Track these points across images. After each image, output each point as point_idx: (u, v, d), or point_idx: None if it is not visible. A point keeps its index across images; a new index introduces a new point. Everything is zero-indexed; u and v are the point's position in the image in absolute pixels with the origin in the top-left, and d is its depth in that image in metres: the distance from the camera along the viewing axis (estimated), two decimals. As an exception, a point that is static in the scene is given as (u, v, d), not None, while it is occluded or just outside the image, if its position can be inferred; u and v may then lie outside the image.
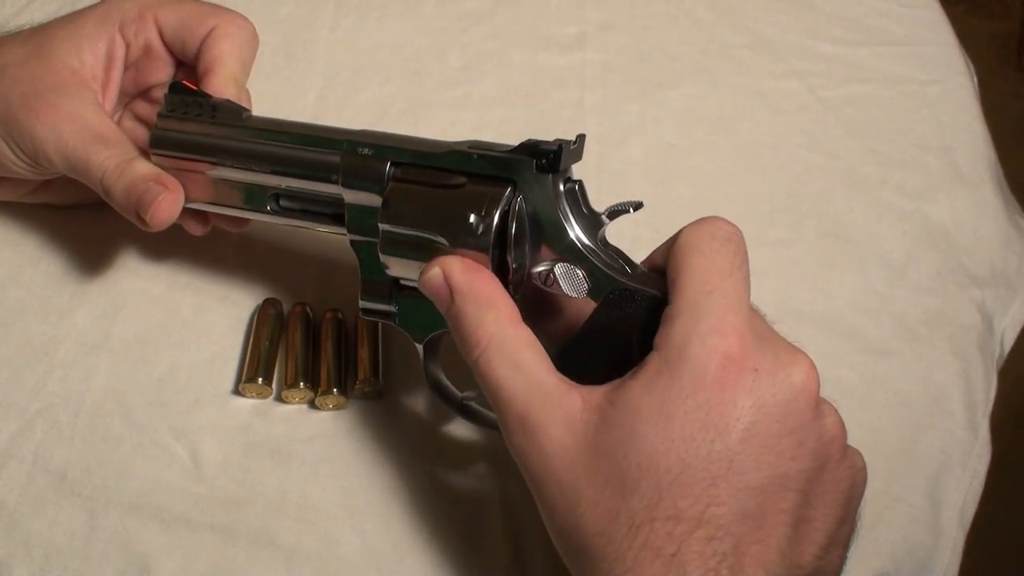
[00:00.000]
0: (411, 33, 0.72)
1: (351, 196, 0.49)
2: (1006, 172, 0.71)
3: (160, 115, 0.54)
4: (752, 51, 0.73)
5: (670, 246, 0.45)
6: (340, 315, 0.59)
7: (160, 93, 0.55)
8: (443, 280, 0.45)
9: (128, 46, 0.56)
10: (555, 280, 0.44)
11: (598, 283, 0.44)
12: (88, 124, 0.53)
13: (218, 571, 0.53)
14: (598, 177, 0.66)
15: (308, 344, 0.58)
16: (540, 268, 0.45)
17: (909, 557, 0.56)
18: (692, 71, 0.72)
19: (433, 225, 0.46)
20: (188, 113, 0.53)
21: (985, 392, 0.61)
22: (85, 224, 0.62)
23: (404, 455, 0.56)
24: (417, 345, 0.50)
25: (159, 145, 0.53)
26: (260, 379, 0.56)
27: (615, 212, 0.46)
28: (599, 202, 0.66)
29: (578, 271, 0.44)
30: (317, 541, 0.54)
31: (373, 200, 0.48)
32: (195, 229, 0.57)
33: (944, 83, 0.72)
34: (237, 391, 0.57)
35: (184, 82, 0.54)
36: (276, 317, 0.58)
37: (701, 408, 0.40)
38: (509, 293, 0.45)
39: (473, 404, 0.50)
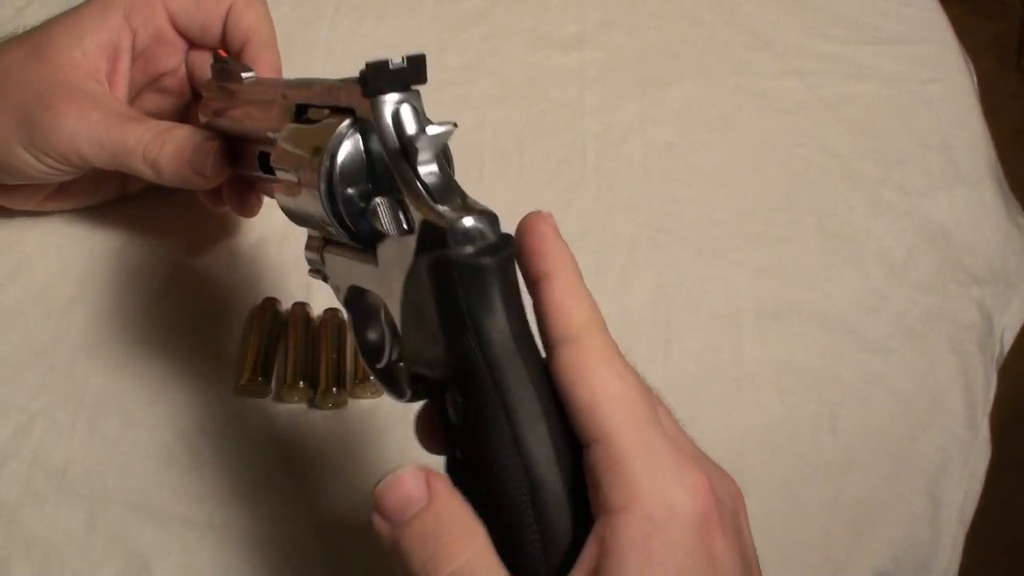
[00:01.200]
0: (410, 32, 0.72)
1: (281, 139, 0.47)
2: (1005, 172, 0.71)
3: (206, 84, 0.53)
4: (752, 50, 0.73)
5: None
6: (341, 314, 0.59)
7: (170, 82, 0.55)
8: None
9: (135, 34, 0.54)
10: (379, 216, 0.40)
11: (418, 220, 0.38)
12: (112, 108, 0.52)
13: (218, 570, 0.53)
14: (598, 176, 0.66)
15: (307, 343, 0.58)
16: (371, 205, 0.40)
17: (909, 555, 0.56)
18: (692, 70, 0.72)
19: (293, 164, 0.44)
20: (231, 81, 0.52)
21: (985, 390, 0.61)
22: (84, 225, 0.62)
23: (405, 454, 0.56)
24: (337, 296, 0.45)
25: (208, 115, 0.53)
26: (259, 378, 0.56)
27: (427, 136, 0.40)
28: (598, 201, 0.67)
29: (397, 206, 0.39)
30: (317, 540, 0.54)
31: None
32: (210, 205, 0.56)
33: (944, 82, 0.72)
34: (236, 390, 0.57)
35: (221, 52, 0.54)
36: (275, 316, 0.58)
37: (707, 566, 0.33)
38: (347, 229, 0.42)
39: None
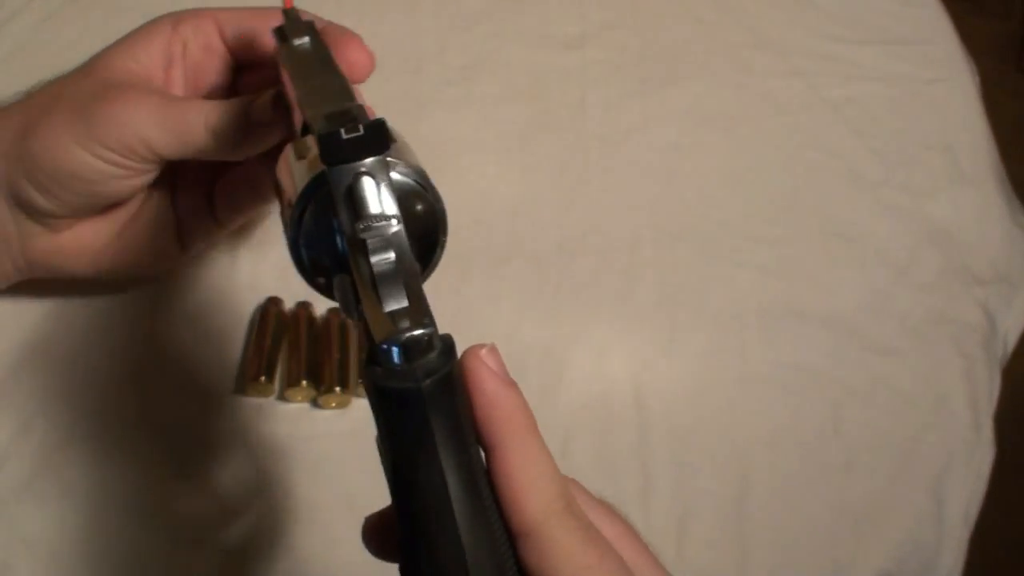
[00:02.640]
0: (411, 32, 0.72)
1: None
2: (1007, 171, 0.71)
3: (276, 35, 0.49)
4: (754, 50, 0.73)
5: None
6: (342, 314, 0.59)
7: (218, 97, 0.53)
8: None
9: (185, 44, 0.53)
10: (336, 297, 0.37)
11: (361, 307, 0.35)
12: (169, 94, 0.51)
13: (219, 571, 0.53)
14: (600, 176, 0.66)
15: (311, 343, 0.58)
16: (335, 268, 0.38)
17: (913, 556, 0.56)
18: (694, 70, 0.72)
19: (288, 187, 0.39)
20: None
21: (988, 391, 0.61)
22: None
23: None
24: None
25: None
26: (262, 378, 0.56)
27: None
28: (600, 202, 0.66)
29: (350, 289, 0.36)
30: (319, 541, 0.53)
31: None
32: (246, 203, 0.55)
33: (946, 82, 0.72)
34: (239, 390, 0.57)
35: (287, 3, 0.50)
36: (278, 316, 0.58)
37: None
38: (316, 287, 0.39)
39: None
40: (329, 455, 0.55)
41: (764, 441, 0.58)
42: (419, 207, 0.39)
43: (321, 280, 0.38)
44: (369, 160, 0.35)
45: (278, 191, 0.41)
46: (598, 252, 0.63)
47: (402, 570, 0.35)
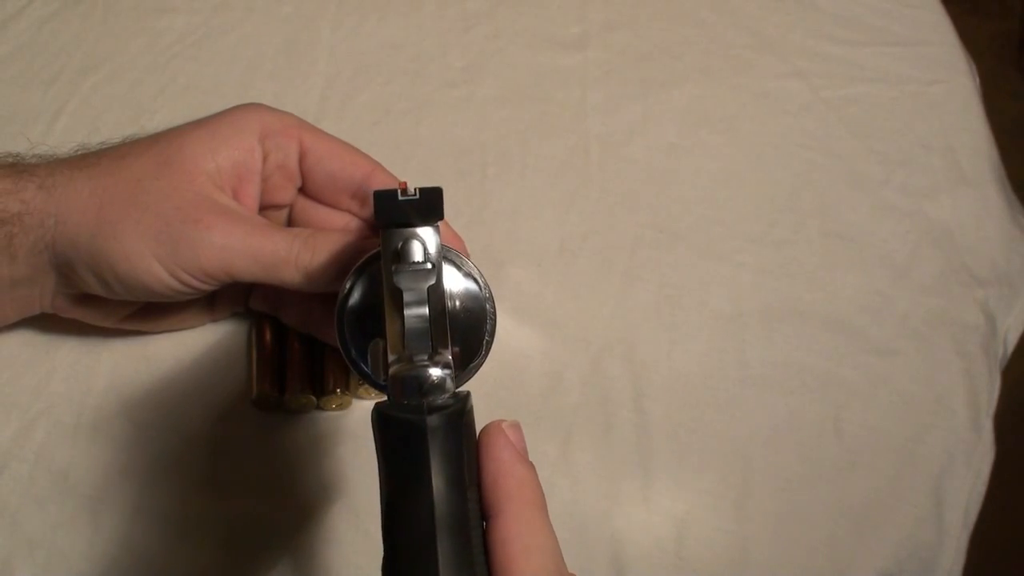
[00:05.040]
0: (413, 33, 0.72)
1: None
2: (1007, 172, 0.71)
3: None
4: (754, 51, 0.73)
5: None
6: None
7: (274, 216, 0.54)
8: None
9: (266, 158, 0.51)
10: (370, 359, 0.40)
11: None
12: (254, 220, 0.49)
13: (220, 571, 0.53)
14: (601, 177, 0.66)
15: (309, 347, 0.57)
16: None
17: (913, 557, 0.56)
18: (694, 71, 0.72)
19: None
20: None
21: (988, 392, 0.61)
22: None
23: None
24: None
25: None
26: (269, 387, 0.56)
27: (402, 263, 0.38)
28: (601, 202, 0.66)
29: (381, 349, 0.39)
30: (320, 542, 0.53)
31: None
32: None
33: (946, 83, 0.72)
34: (249, 403, 0.57)
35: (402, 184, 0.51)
36: (275, 326, 0.58)
37: None
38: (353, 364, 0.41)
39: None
40: (330, 456, 0.55)
41: (764, 441, 0.58)
42: (471, 301, 0.40)
43: (354, 354, 0.40)
44: (422, 228, 0.38)
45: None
46: (598, 252, 0.63)
47: None
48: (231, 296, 0.57)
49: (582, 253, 0.63)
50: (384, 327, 0.37)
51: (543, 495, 0.35)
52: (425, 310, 0.37)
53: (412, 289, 0.37)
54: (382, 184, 0.51)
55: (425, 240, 0.38)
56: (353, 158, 0.52)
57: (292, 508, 0.54)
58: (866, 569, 0.55)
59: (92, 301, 0.52)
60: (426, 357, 0.36)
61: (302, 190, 0.54)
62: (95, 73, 0.67)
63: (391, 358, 0.36)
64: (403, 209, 0.37)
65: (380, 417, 0.35)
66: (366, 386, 0.56)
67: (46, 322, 0.58)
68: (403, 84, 0.70)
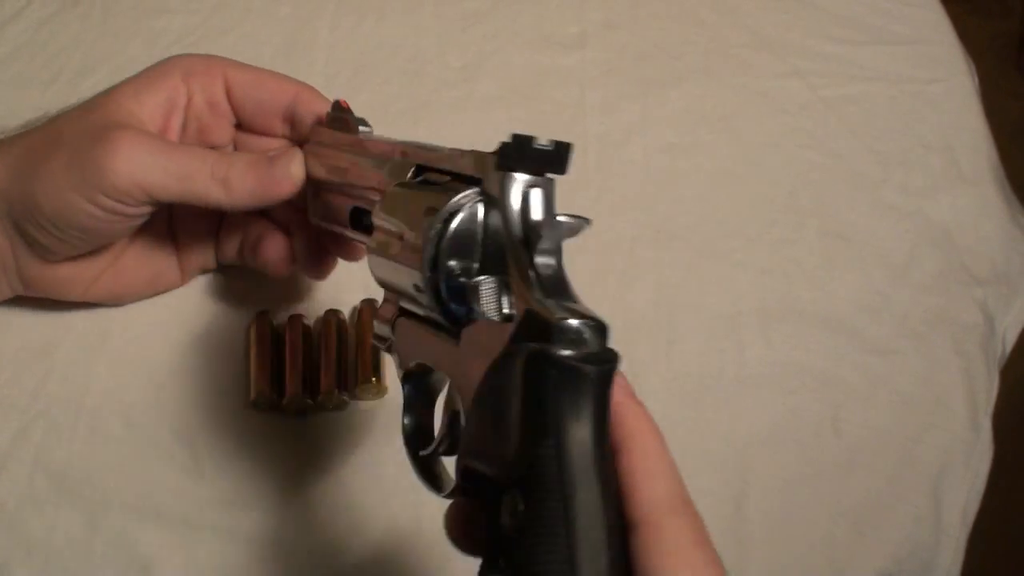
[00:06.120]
0: (411, 33, 0.72)
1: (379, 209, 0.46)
2: (1007, 171, 0.71)
3: (314, 127, 0.52)
4: (753, 50, 0.73)
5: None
6: (340, 315, 0.59)
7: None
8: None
9: (191, 98, 0.52)
10: (479, 295, 0.38)
11: (520, 309, 0.37)
12: (170, 140, 0.50)
13: (219, 572, 0.53)
14: (600, 177, 0.66)
15: (305, 354, 0.57)
16: (473, 281, 0.39)
17: (912, 557, 0.56)
18: (693, 70, 0.72)
19: (407, 223, 0.42)
20: (341, 129, 0.50)
21: (987, 391, 0.61)
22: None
23: (405, 455, 0.56)
24: (398, 370, 0.44)
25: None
26: (268, 391, 0.56)
27: (557, 224, 0.38)
28: (599, 202, 0.66)
29: (504, 289, 0.38)
30: (319, 542, 0.53)
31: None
32: (280, 268, 0.55)
33: (945, 82, 0.72)
34: (246, 406, 0.57)
35: (342, 101, 0.51)
36: (271, 328, 0.58)
37: None
38: (441, 297, 0.40)
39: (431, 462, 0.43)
40: (329, 456, 0.55)
41: (763, 441, 0.58)
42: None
43: (450, 293, 0.39)
44: (545, 176, 0.38)
45: (369, 237, 0.44)
46: (597, 252, 0.63)
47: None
48: (196, 252, 0.57)
49: (580, 253, 0.63)
50: (498, 268, 0.38)
51: (658, 427, 0.37)
52: (552, 259, 0.37)
53: (550, 238, 0.37)
54: (310, 103, 0.52)
55: (546, 189, 0.38)
56: (278, 83, 0.53)
57: (292, 508, 0.54)
58: (865, 568, 0.55)
59: (55, 273, 0.53)
60: (562, 306, 0.36)
61: (239, 127, 0.54)
62: (94, 74, 0.67)
63: (519, 303, 0.36)
64: (535, 157, 0.37)
65: (549, 361, 0.35)
66: (364, 387, 0.56)
67: (44, 324, 0.58)
68: (401, 84, 0.69)
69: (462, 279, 0.40)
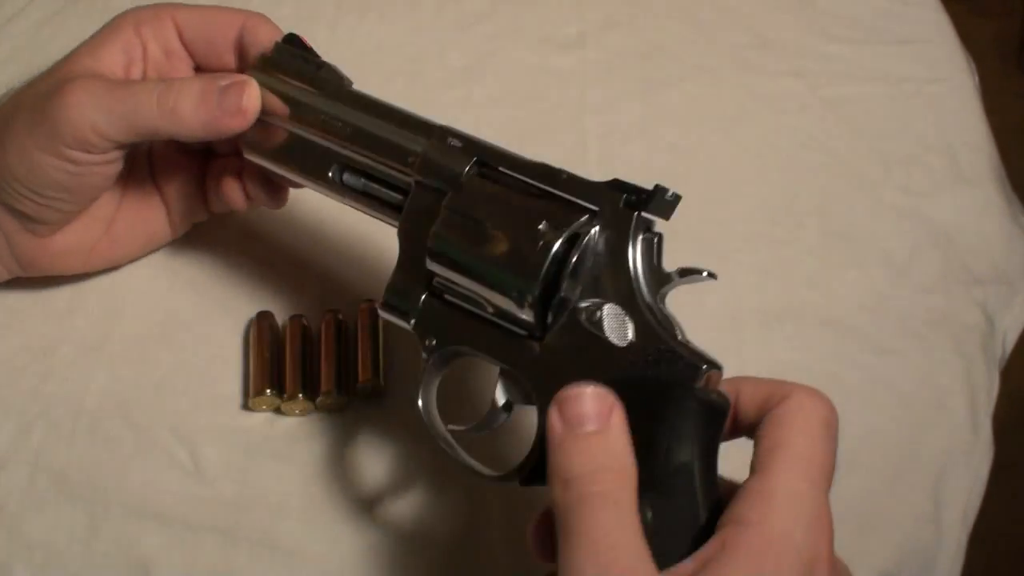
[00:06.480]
0: (411, 33, 0.72)
1: (421, 183, 0.48)
2: (1007, 171, 0.71)
3: (261, 57, 0.52)
4: (753, 50, 0.73)
5: (767, 394, 0.42)
6: (340, 316, 0.58)
7: None
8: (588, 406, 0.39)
9: (145, 47, 0.53)
10: (600, 319, 0.42)
11: (643, 338, 0.42)
12: (115, 80, 0.50)
13: (219, 573, 0.53)
14: (599, 177, 0.66)
15: (305, 354, 0.57)
16: (587, 303, 0.43)
17: (912, 558, 0.56)
18: (693, 71, 0.71)
19: (498, 221, 0.44)
20: (290, 65, 0.51)
21: (987, 392, 0.61)
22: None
23: (405, 456, 0.56)
24: (424, 356, 0.47)
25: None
26: (268, 391, 0.56)
27: (687, 272, 0.44)
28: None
29: (627, 319, 0.42)
30: (319, 543, 0.53)
31: (441, 190, 0.47)
32: (238, 203, 0.55)
33: (946, 82, 0.72)
34: (246, 406, 0.57)
35: (301, 37, 0.52)
36: (271, 329, 0.58)
37: None
38: (545, 316, 0.44)
39: (454, 441, 0.48)
40: (328, 457, 0.55)
41: (763, 442, 0.58)
42: None
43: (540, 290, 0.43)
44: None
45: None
46: (597, 253, 0.63)
47: None
48: (185, 205, 0.57)
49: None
50: (627, 300, 0.43)
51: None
52: (665, 306, 0.44)
53: (671, 286, 0.44)
54: (256, 30, 0.52)
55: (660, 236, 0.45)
56: (224, 16, 0.53)
57: (291, 508, 0.54)
58: (865, 569, 0.54)
59: (49, 247, 0.53)
60: (690, 347, 0.42)
61: (198, 69, 0.55)
62: (93, 74, 0.67)
63: (655, 337, 0.42)
64: (663, 207, 0.44)
65: (695, 398, 0.41)
66: (364, 387, 0.56)
67: (44, 324, 0.58)
68: (402, 84, 0.69)
69: (566, 297, 0.44)
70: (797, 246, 0.64)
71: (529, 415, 0.44)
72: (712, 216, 0.65)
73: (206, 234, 0.61)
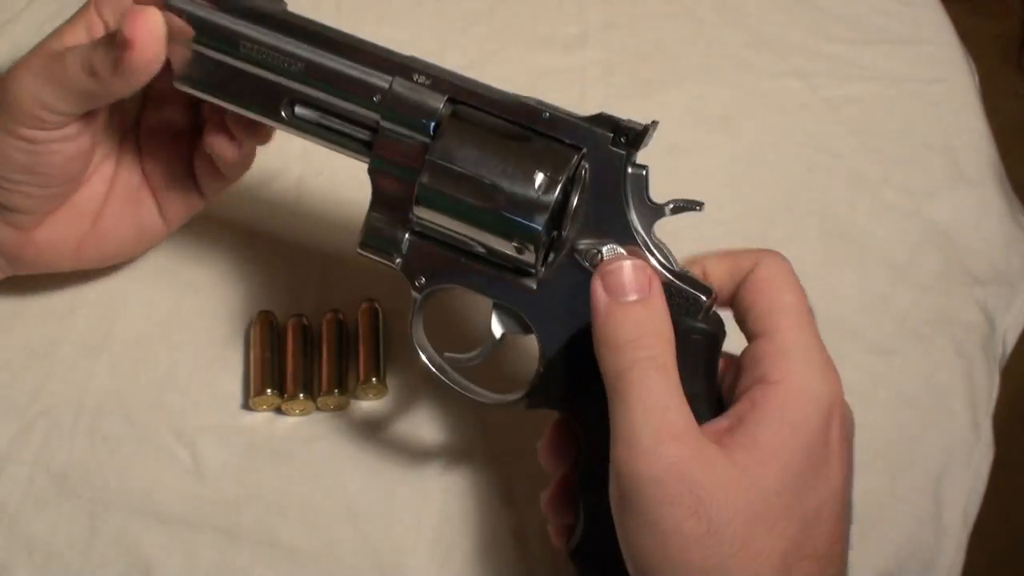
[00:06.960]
0: (412, 33, 0.72)
1: (390, 124, 0.46)
2: (1007, 171, 0.71)
3: None
4: (754, 50, 0.73)
5: (732, 265, 0.46)
6: (340, 315, 0.59)
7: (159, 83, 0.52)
8: (633, 277, 0.42)
9: (106, 24, 0.51)
10: (600, 260, 0.44)
11: None
12: (53, 52, 0.49)
13: (220, 573, 0.53)
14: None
15: (305, 354, 0.57)
16: (585, 244, 0.45)
17: (912, 557, 0.56)
18: (693, 70, 0.71)
19: (491, 171, 0.44)
20: None
21: (987, 391, 0.61)
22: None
23: (405, 455, 0.56)
24: (414, 295, 0.47)
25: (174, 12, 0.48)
26: (268, 391, 0.56)
27: (679, 208, 0.46)
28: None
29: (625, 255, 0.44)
30: (319, 542, 0.53)
31: (415, 132, 0.46)
32: (227, 151, 0.52)
33: (946, 82, 0.72)
34: (246, 406, 0.57)
35: None
36: (272, 329, 0.58)
37: (824, 449, 0.42)
38: (544, 260, 0.45)
39: (450, 369, 0.49)
40: (328, 457, 0.55)
41: (763, 442, 0.58)
42: None
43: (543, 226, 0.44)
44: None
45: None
46: (597, 253, 0.63)
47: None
48: (176, 195, 0.56)
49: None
50: (623, 238, 0.44)
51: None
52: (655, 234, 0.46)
53: (658, 215, 0.46)
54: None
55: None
56: None
57: (292, 508, 0.54)
58: (866, 569, 0.54)
59: (35, 241, 0.53)
60: (686, 274, 0.45)
61: None
62: (93, 74, 0.67)
63: (665, 271, 0.44)
64: (639, 141, 0.47)
65: (690, 330, 0.43)
66: (364, 387, 0.56)
67: (44, 323, 0.58)
68: (402, 84, 0.69)
69: (563, 239, 0.45)
70: (797, 246, 0.64)
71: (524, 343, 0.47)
72: (711, 216, 0.64)
73: (206, 234, 0.61)
